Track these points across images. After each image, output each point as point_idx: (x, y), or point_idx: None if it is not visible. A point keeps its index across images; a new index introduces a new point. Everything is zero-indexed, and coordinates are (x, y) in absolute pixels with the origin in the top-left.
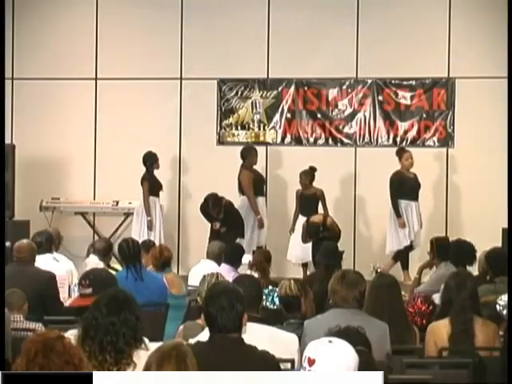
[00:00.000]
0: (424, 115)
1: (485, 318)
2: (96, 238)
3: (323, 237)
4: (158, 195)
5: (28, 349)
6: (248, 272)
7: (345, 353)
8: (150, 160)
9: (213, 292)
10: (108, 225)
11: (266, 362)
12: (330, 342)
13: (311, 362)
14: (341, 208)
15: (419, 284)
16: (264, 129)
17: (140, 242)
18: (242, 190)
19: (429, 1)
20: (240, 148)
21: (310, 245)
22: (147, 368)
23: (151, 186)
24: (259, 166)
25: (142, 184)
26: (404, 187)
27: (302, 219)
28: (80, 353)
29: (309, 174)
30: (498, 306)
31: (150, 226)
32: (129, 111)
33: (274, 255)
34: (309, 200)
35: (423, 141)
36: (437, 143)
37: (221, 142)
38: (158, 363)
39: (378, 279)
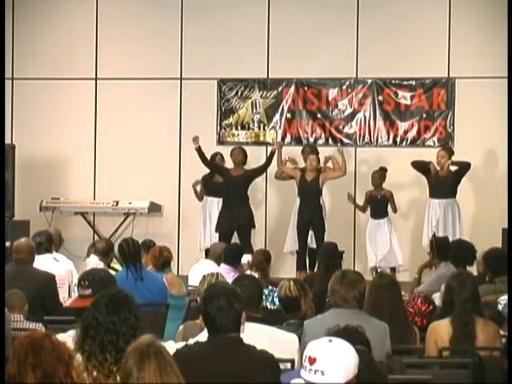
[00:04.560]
0: (424, 115)
1: (485, 318)
2: (96, 238)
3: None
4: None
5: (18, 351)
6: (248, 272)
7: (345, 352)
8: None
9: (211, 292)
10: (108, 225)
11: (266, 361)
12: (330, 341)
13: (312, 361)
14: (341, 208)
15: (419, 284)
16: (264, 129)
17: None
18: None
19: (429, 1)
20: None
21: (382, 249)
22: (128, 374)
23: None
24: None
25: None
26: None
27: (372, 221)
28: (69, 350)
29: (382, 175)
30: (499, 306)
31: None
32: (129, 111)
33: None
34: (378, 201)
35: (423, 141)
36: (437, 143)
37: (221, 142)
38: (138, 366)
39: (377, 279)
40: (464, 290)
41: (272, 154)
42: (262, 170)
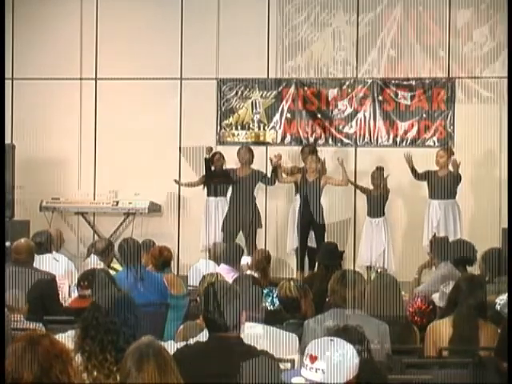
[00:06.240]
0: (424, 115)
1: (486, 319)
2: (96, 238)
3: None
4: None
5: (15, 348)
6: (248, 272)
7: (346, 352)
8: None
9: (210, 291)
10: (108, 225)
11: (266, 361)
12: (332, 340)
13: (313, 359)
14: (341, 208)
15: (419, 284)
16: (264, 129)
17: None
18: None
19: (429, 1)
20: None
21: (377, 248)
22: (127, 374)
23: None
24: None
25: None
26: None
27: (369, 220)
28: (67, 349)
29: (381, 175)
30: (497, 306)
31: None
32: (129, 111)
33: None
34: (376, 200)
35: (423, 141)
36: (437, 143)
37: (221, 142)
38: (137, 366)
39: (377, 279)
40: (473, 297)
41: (274, 170)
42: (267, 184)
